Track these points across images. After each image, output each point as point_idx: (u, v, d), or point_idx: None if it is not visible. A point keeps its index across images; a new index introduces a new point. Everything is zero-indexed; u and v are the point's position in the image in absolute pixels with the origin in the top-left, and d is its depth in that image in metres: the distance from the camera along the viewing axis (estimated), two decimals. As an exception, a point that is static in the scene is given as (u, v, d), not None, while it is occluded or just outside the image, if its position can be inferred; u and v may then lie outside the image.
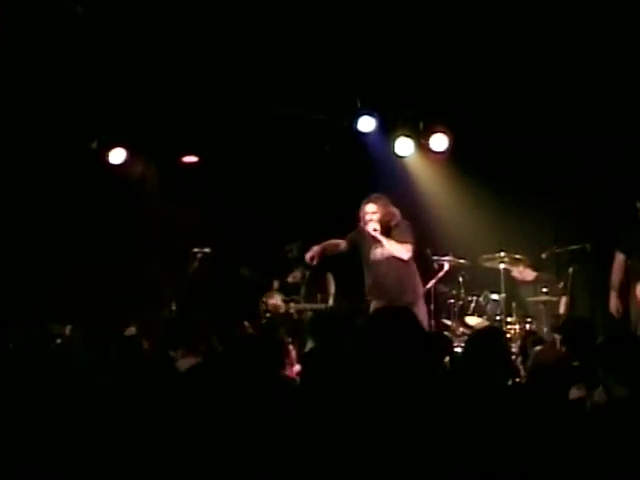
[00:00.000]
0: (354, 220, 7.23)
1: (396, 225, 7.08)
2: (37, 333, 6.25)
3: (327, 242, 7.25)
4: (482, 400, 3.49)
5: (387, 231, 7.03)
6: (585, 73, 7.82)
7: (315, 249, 7.13)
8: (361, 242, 7.21)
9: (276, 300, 8.54)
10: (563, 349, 4.77)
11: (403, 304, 6.89)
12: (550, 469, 2.97)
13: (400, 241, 7.00)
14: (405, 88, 8.50)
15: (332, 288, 8.50)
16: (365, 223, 7.07)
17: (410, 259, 7.10)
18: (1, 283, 8.41)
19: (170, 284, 8.44)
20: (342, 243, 7.26)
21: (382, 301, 7.01)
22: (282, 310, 8.48)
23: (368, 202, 7.09)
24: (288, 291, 8.62)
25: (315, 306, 8.34)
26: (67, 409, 3.76)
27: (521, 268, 8.40)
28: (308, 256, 7.15)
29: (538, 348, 4.24)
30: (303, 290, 8.50)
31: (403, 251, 6.99)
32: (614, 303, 7.32)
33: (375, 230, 6.97)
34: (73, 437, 3.56)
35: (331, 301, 8.38)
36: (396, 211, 7.17)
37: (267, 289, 8.73)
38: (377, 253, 7.10)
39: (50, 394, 3.94)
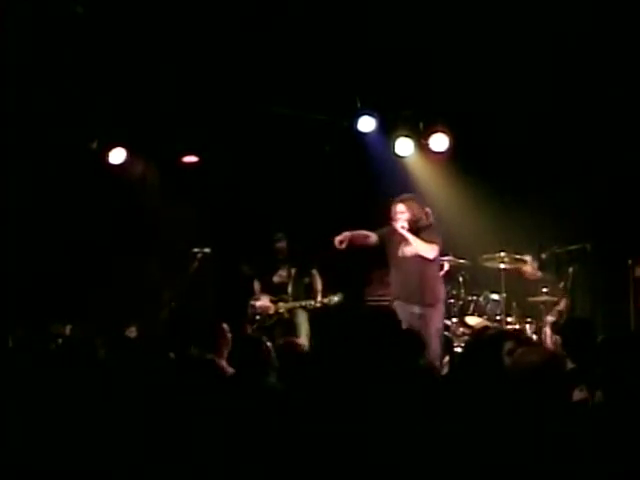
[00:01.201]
0: (355, 219, 7.21)
1: (425, 227, 7.12)
2: (37, 333, 6.25)
3: (358, 231, 7.23)
4: (482, 400, 3.49)
5: (415, 231, 7.06)
6: (585, 73, 7.82)
7: (346, 234, 7.08)
8: (390, 239, 7.22)
9: (264, 301, 8.45)
10: (547, 350, 4.72)
11: (424, 304, 6.94)
12: (551, 469, 2.97)
13: (427, 241, 7.03)
14: (405, 88, 8.50)
15: (319, 285, 8.41)
16: (395, 221, 7.10)
17: (436, 261, 7.16)
18: (1, 283, 8.40)
19: (170, 284, 8.42)
20: (372, 236, 7.24)
21: (402, 300, 7.04)
22: (272, 311, 8.36)
23: (397, 202, 7.13)
24: (274, 291, 8.51)
25: (304, 302, 8.29)
26: (67, 409, 3.77)
27: (535, 265, 8.41)
28: (338, 239, 7.07)
29: (520, 350, 4.21)
30: (291, 288, 8.41)
31: (429, 250, 7.01)
32: None
33: (403, 227, 7.02)
34: (73, 437, 3.56)
35: (319, 297, 8.30)
36: (428, 211, 7.24)
37: (252, 292, 8.63)
38: (405, 250, 7.12)
39: (50, 394, 3.95)
